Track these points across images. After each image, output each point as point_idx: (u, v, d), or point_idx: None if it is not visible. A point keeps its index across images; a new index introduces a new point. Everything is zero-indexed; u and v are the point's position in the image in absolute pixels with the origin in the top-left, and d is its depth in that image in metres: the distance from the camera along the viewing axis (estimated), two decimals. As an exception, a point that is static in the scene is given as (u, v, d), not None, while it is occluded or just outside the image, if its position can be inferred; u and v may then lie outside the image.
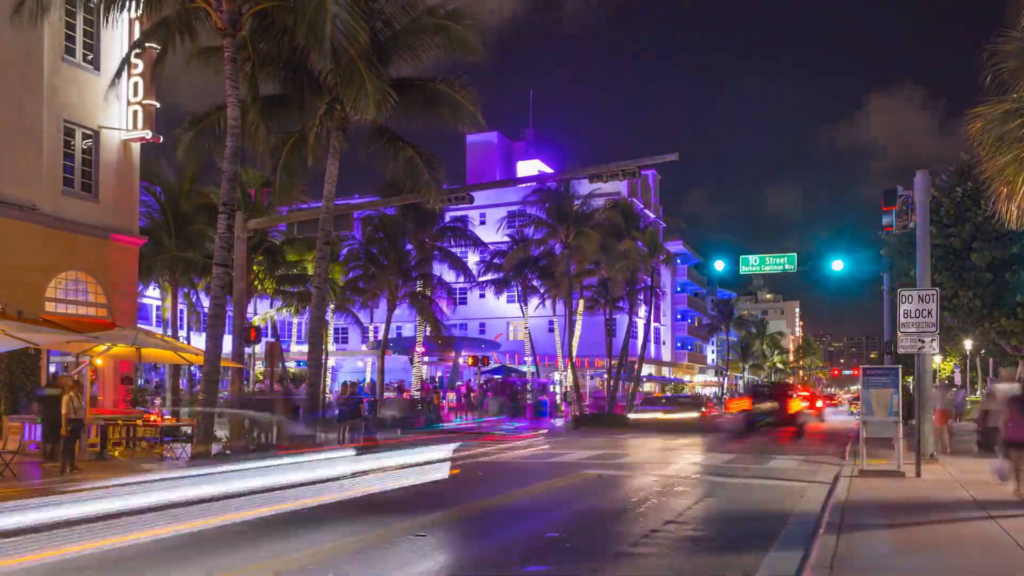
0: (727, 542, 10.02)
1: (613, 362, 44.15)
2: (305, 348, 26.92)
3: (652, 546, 9.80)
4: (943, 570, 8.22)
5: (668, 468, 18.80)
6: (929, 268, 20.11)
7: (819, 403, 50.56)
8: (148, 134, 22.71)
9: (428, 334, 41.71)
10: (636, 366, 46.23)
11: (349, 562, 8.84)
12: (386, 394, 39.12)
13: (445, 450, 21.14)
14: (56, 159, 20.88)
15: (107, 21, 16.54)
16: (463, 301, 65.23)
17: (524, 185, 50.10)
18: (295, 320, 52.92)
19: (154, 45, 19.65)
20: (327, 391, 41.19)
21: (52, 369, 21.51)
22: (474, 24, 18.16)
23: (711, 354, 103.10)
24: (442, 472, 17.15)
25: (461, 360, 48.52)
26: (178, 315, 35.50)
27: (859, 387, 19.15)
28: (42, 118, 20.42)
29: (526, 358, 55.96)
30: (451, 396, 47.47)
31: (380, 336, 40.84)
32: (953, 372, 63.45)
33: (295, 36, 15.39)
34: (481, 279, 47.59)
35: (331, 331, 48.90)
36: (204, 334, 17.16)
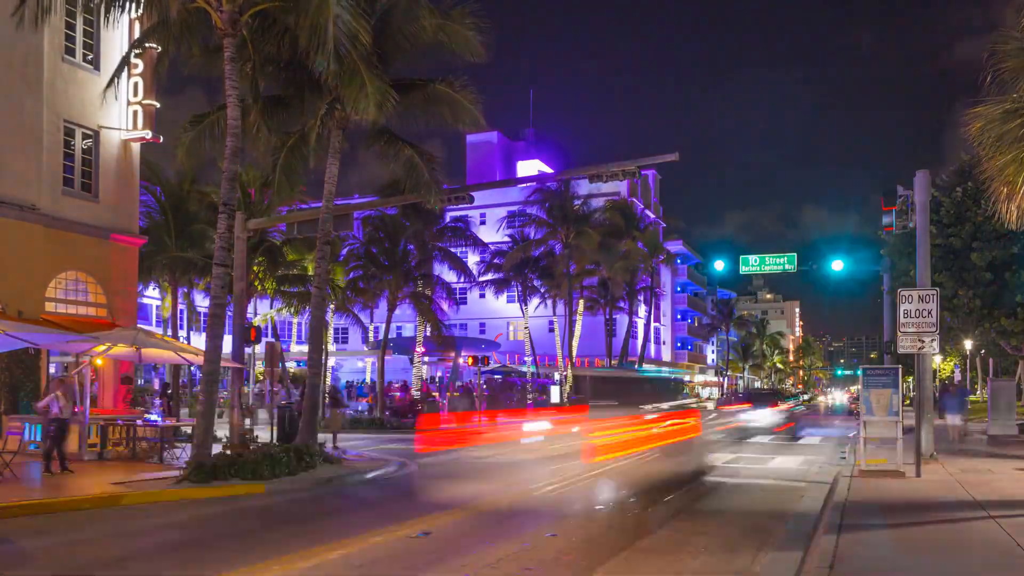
0: (727, 542, 10.02)
1: (613, 362, 44.16)
2: (305, 348, 26.91)
3: (653, 546, 9.81)
4: (943, 570, 8.22)
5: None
6: (929, 268, 20.11)
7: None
8: (148, 134, 22.71)
9: (428, 334, 41.67)
10: (636, 366, 46.23)
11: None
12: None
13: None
14: (56, 159, 20.87)
15: (107, 21, 16.47)
16: (463, 301, 65.11)
17: (524, 185, 50.12)
18: (295, 320, 52.87)
19: (154, 45, 19.63)
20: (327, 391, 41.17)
21: (52, 369, 21.51)
22: (475, 24, 18.13)
23: (711, 354, 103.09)
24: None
25: (461, 360, 48.48)
26: (178, 315, 35.47)
27: (859, 386, 19.13)
28: (42, 118, 20.41)
29: (526, 358, 55.94)
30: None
31: (380, 336, 40.81)
32: (953, 372, 63.48)
33: (296, 37, 15.37)
34: (481, 279, 47.56)
35: (331, 331, 48.88)
36: (204, 334, 17.14)
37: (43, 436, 16.65)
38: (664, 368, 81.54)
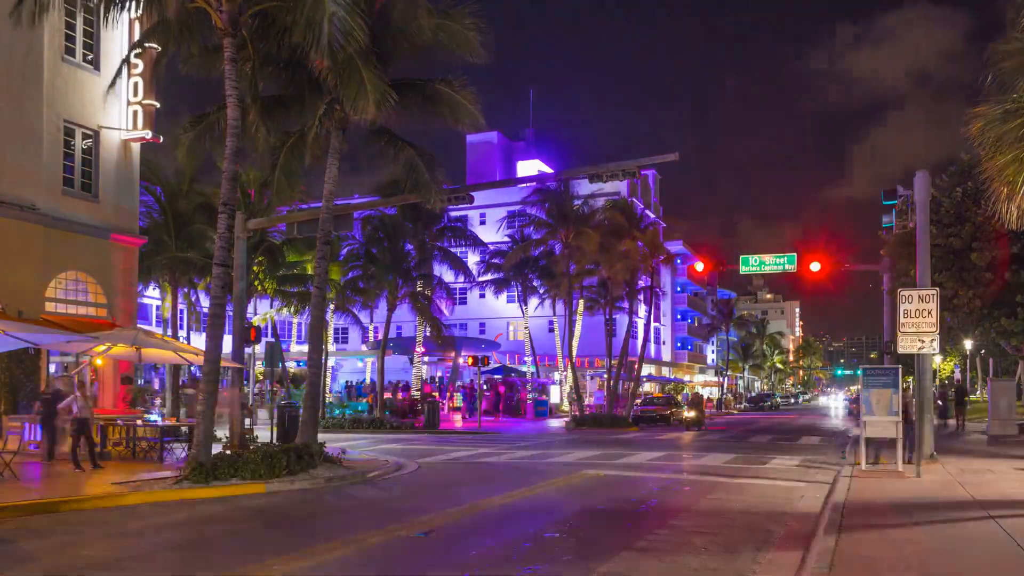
0: (727, 542, 10.01)
1: (613, 362, 44.13)
2: (305, 348, 26.91)
3: (652, 546, 9.80)
4: (943, 570, 8.22)
5: (668, 468, 18.80)
6: (929, 268, 20.11)
7: None
8: (148, 134, 22.72)
9: (428, 334, 41.68)
10: (636, 366, 46.18)
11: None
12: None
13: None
14: (56, 159, 20.87)
15: (107, 21, 16.47)
16: (463, 301, 65.21)
17: (524, 185, 50.10)
18: (295, 320, 52.90)
19: (154, 45, 19.64)
20: (327, 391, 41.20)
21: (52, 369, 21.51)
22: (475, 24, 18.11)
23: (711, 354, 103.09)
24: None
25: (461, 360, 48.52)
26: (178, 315, 35.46)
27: (859, 387, 19.11)
28: (42, 118, 20.42)
29: (526, 358, 55.95)
30: (458, 396, 47.59)
31: (380, 336, 40.81)
32: (953, 372, 63.49)
33: (295, 36, 15.37)
34: (481, 279, 47.57)
35: (331, 331, 48.86)
36: (204, 334, 17.13)
37: (54, 436, 16.91)
38: (665, 368, 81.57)
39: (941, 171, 26.74)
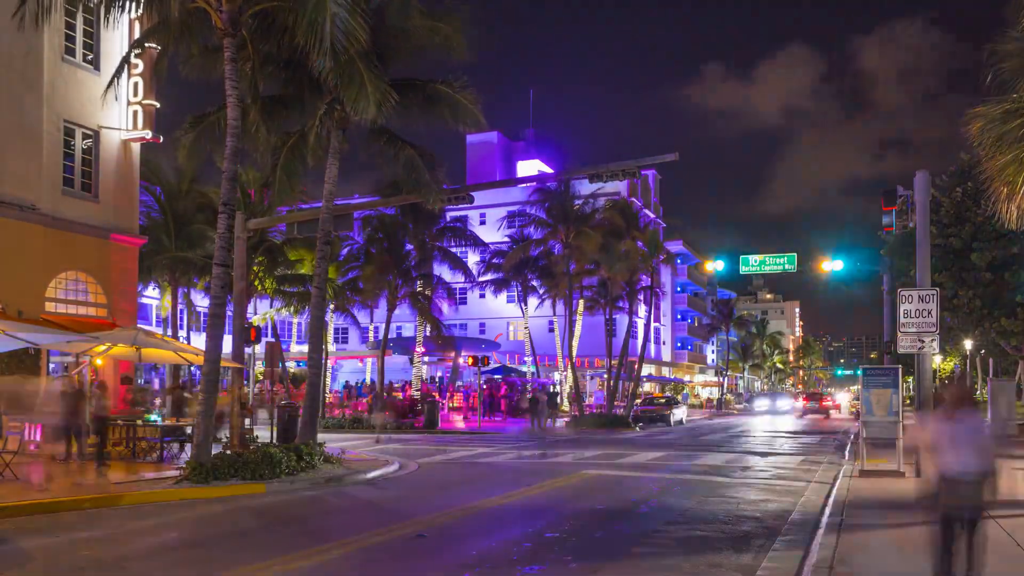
0: (727, 542, 10.02)
1: (613, 362, 44.13)
2: (305, 348, 26.91)
3: (653, 546, 9.81)
4: (943, 570, 8.21)
5: (668, 468, 18.81)
6: (929, 268, 20.07)
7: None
8: (148, 134, 22.71)
9: (428, 334, 41.69)
10: (636, 366, 46.19)
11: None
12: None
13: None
14: (56, 159, 20.86)
15: (107, 21, 16.47)
16: (463, 301, 65.16)
17: (524, 185, 50.07)
18: (295, 320, 52.90)
19: (154, 45, 19.64)
20: (327, 391, 41.19)
21: (52, 369, 21.51)
22: (460, 25, 18.16)
23: (711, 354, 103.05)
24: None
25: (461, 360, 48.50)
26: (178, 315, 35.48)
27: (859, 387, 19.13)
28: (42, 118, 20.41)
29: (526, 358, 55.93)
30: (458, 396, 47.55)
31: (380, 336, 40.82)
32: (953, 372, 63.45)
33: (295, 36, 15.36)
34: (481, 279, 47.54)
35: (331, 331, 48.84)
36: (204, 334, 17.14)
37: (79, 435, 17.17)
38: (665, 368, 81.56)
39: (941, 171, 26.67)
